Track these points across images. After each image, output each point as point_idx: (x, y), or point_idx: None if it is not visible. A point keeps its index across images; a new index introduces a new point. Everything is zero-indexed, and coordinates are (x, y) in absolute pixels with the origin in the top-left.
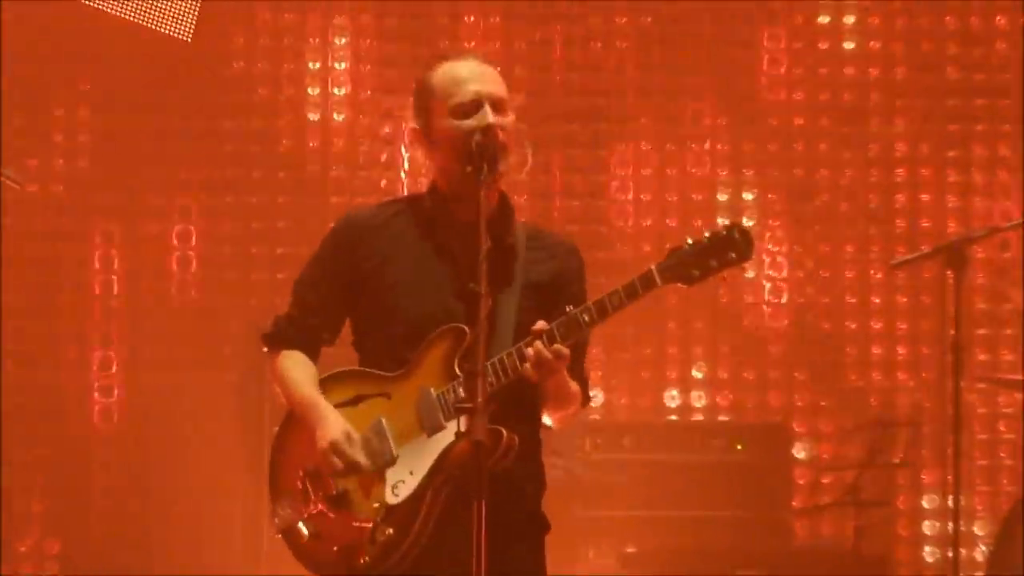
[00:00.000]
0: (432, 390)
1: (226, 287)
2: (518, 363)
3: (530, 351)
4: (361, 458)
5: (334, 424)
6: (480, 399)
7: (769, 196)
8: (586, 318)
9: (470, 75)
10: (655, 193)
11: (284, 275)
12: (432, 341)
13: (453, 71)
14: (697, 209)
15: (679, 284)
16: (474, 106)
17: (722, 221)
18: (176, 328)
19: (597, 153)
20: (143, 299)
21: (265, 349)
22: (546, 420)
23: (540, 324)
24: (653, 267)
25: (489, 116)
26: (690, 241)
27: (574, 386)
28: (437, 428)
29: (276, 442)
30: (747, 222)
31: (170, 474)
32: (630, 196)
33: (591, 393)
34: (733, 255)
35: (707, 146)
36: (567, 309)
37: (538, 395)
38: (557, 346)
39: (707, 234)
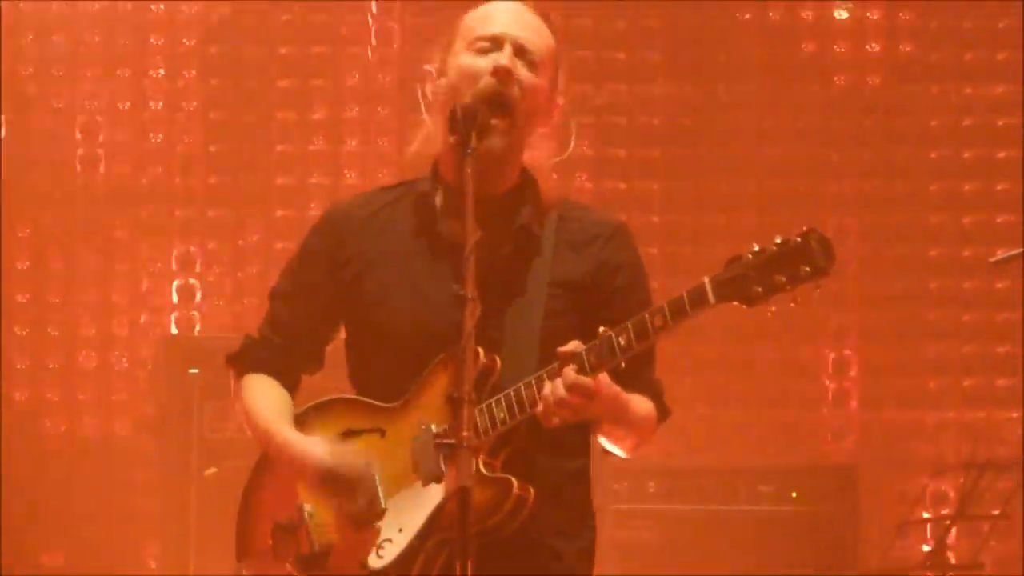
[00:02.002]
0: (433, 427)
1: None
2: (538, 397)
3: (546, 391)
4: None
5: (310, 445)
6: (465, 432)
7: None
8: (622, 341)
9: (504, 13)
10: None
11: (215, 276)
12: (437, 366)
13: (487, 7)
14: None
15: (737, 303)
16: (494, 43)
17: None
18: (77, 339)
19: None
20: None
21: (232, 375)
22: (614, 449)
23: (572, 344)
24: (707, 280)
25: (506, 57)
26: (756, 249)
27: (641, 405)
28: (435, 476)
29: (247, 489)
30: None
31: (69, 529)
32: None
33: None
34: (807, 269)
35: None
36: (600, 330)
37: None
38: (576, 379)
39: (777, 240)
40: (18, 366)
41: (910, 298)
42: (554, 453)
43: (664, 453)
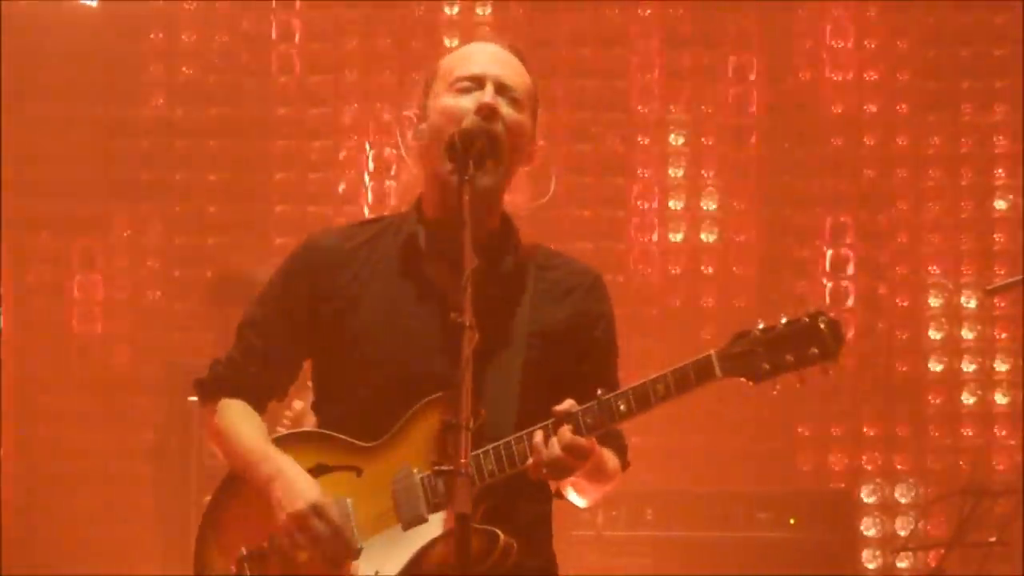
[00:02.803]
0: (415, 471)
1: (142, 318)
2: (529, 453)
3: (538, 441)
4: (329, 536)
5: (303, 483)
6: (463, 459)
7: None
8: (622, 407)
9: (482, 53)
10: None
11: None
12: (422, 410)
13: (466, 48)
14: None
15: (743, 379)
16: (476, 82)
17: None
18: (76, 370)
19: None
20: (34, 333)
21: (197, 400)
22: (574, 499)
23: (567, 404)
24: (713, 353)
25: (489, 95)
26: (761, 326)
27: (610, 460)
28: (416, 520)
29: (209, 513)
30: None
31: (69, 558)
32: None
33: None
34: (815, 351)
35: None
36: (598, 393)
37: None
38: (573, 440)
39: (784, 320)
40: (15, 397)
41: (909, 320)
42: (528, 498)
43: (662, 479)
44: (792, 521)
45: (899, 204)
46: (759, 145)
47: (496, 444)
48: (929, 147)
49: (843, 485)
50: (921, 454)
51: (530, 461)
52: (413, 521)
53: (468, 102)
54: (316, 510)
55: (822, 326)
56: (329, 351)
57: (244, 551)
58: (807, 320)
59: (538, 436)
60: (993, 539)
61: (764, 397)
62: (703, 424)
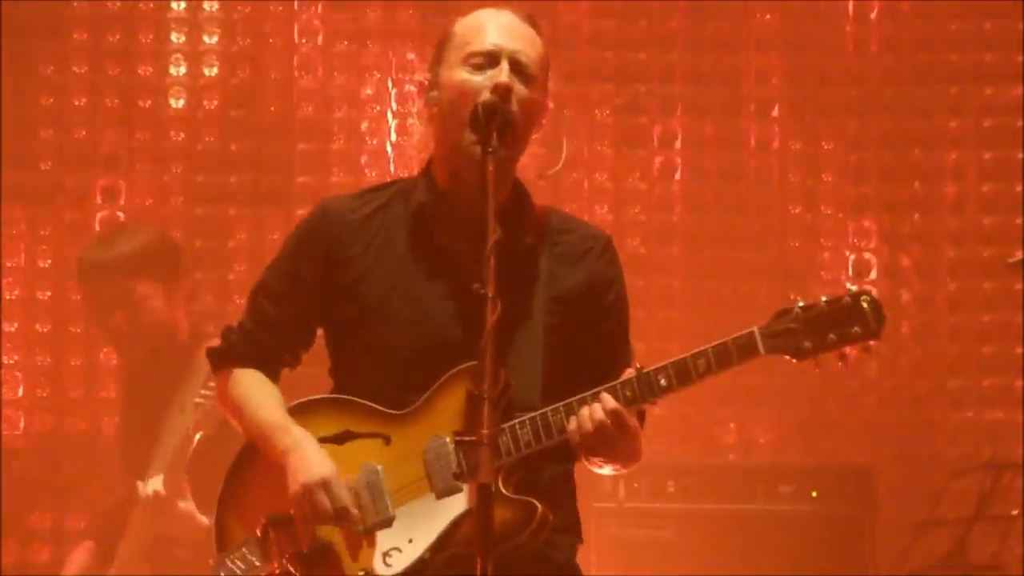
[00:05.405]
0: (448, 441)
1: None
2: (565, 423)
3: (584, 412)
4: (332, 515)
5: (318, 457)
6: (486, 430)
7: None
8: (662, 382)
9: (497, 26)
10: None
11: (203, 274)
12: (453, 379)
13: (480, 18)
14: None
15: (786, 357)
16: (490, 59)
17: (849, 287)
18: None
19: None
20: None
21: (211, 368)
22: (599, 469)
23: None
24: (756, 330)
25: (504, 74)
26: (801, 304)
27: (638, 434)
28: (451, 490)
29: (228, 482)
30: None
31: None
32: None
33: None
34: (858, 330)
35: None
36: (635, 367)
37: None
38: (617, 406)
39: (823, 299)
40: (7, 361)
41: (929, 299)
42: (554, 459)
43: (684, 452)
44: (814, 494)
45: None
46: None
47: (532, 415)
48: None
49: (865, 459)
50: (942, 429)
51: (571, 427)
52: (447, 491)
53: (482, 79)
54: (324, 485)
55: (864, 305)
56: (345, 320)
57: (271, 515)
58: (849, 299)
59: (584, 409)
60: (1015, 512)
61: (789, 371)
62: (727, 397)
